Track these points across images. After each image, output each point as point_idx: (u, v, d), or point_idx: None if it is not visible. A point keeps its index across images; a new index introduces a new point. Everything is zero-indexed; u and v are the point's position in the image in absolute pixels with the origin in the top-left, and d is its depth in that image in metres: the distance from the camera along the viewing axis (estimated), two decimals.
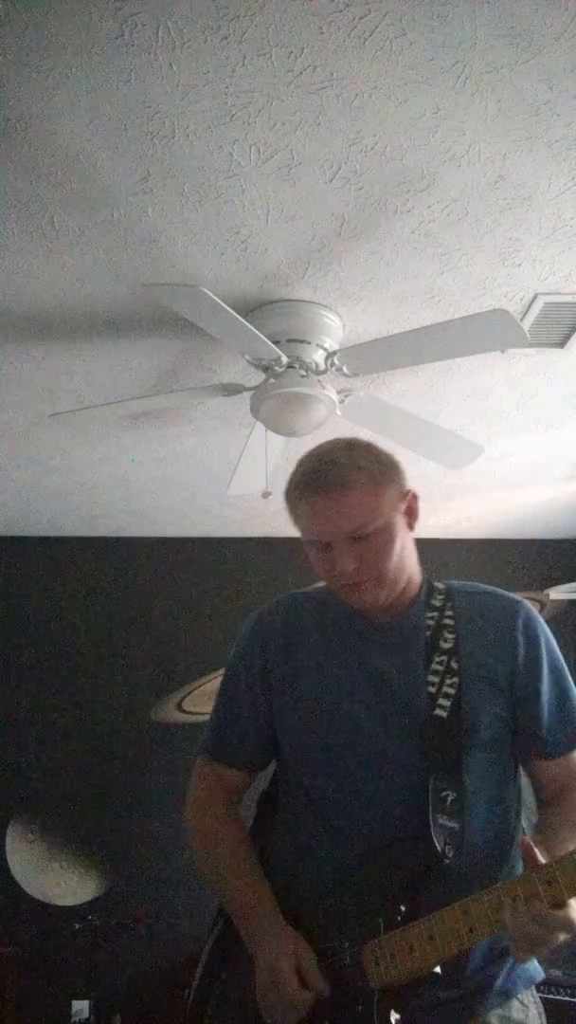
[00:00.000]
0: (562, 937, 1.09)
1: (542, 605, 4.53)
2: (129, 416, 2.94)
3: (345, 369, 2.41)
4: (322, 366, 2.42)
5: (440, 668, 1.32)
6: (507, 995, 1.27)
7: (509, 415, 3.10)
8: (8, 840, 4.10)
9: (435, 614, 1.37)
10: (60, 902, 4.04)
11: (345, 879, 1.26)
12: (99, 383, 2.85)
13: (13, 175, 1.87)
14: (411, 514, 1.35)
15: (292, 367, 2.38)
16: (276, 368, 2.37)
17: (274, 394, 2.42)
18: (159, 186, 1.92)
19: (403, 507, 1.33)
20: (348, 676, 1.34)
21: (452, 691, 1.29)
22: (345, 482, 1.27)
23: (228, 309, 2.07)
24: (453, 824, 1.24)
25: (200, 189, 1.93)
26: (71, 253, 2.16)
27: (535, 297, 2.35)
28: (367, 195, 1.95)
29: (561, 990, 3.54)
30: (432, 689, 1.30)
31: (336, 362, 2.40)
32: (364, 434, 3.13)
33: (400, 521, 1.32)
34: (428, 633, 1.35)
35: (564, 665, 1.39)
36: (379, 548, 1.28)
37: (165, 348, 2.63)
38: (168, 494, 3.96)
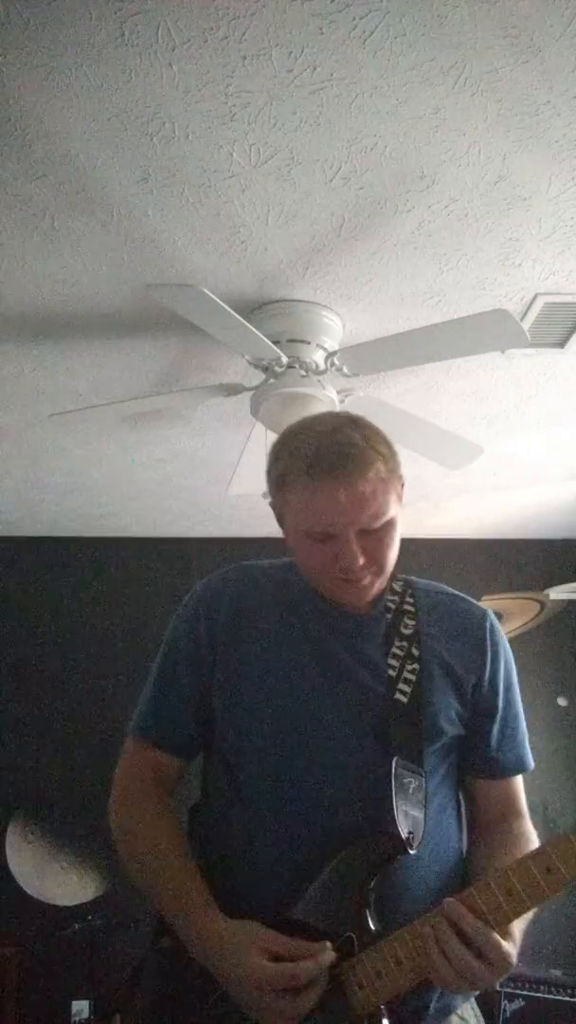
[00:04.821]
0: (498, 977, 1.02)
1: (542, 605, 4.53)
2: (129, 416, 2.94)
3: (345, 369, 2.41)
4: (322, 366, 2.42)
5: (400, 653, 1.23)
6: (445, 1012, 1.17)
7: (509, 415, 3.10)
8: (8, 840, 4.10)
9: (396, 598, 1.30)
10: (60, 902, 4.04)
11: (302, 887, 1.12)
12: (99, 383, 2.85)
13: (13, 175, 1.87)
14: (401, 503, 1.25)
15: (292, 367, 2.38)
16: (276, 368, 2.37)
17: (274, 394, 2.42)
18: (159, 186, 1.92)
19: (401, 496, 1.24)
20: (304, 659, 1.23)
21: (413, 677, 1.22)
22: (365, 469, 1.14)
23: (228, 309, 2.07)
24: (416, 813, 1.14)
25: (200, 189, 1.93)
26: (71, 253, 2.16)
27: (535, 297, 2.35)
28: (367, 195, 1.95)
29: (561, 990, 3.53)
30: (392, 673, 1.22)
31: (336, 362, 2.40)
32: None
33: (400, 511, 1.22)
34: (389, 616, 1.27)
35: (518, 683, 1.33)
36: (387, 542, 1.19)
37: (165, 348, 2.63)
38: (168, 494, 3.96)
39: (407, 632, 1.25)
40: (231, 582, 1.33)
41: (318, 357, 2.42)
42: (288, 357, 2.36)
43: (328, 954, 1.04)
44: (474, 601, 1.35)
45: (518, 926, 1.08)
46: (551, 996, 3.54)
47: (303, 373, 2.38)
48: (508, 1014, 3.56)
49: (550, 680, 4.42)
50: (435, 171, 1.87)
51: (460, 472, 3.26)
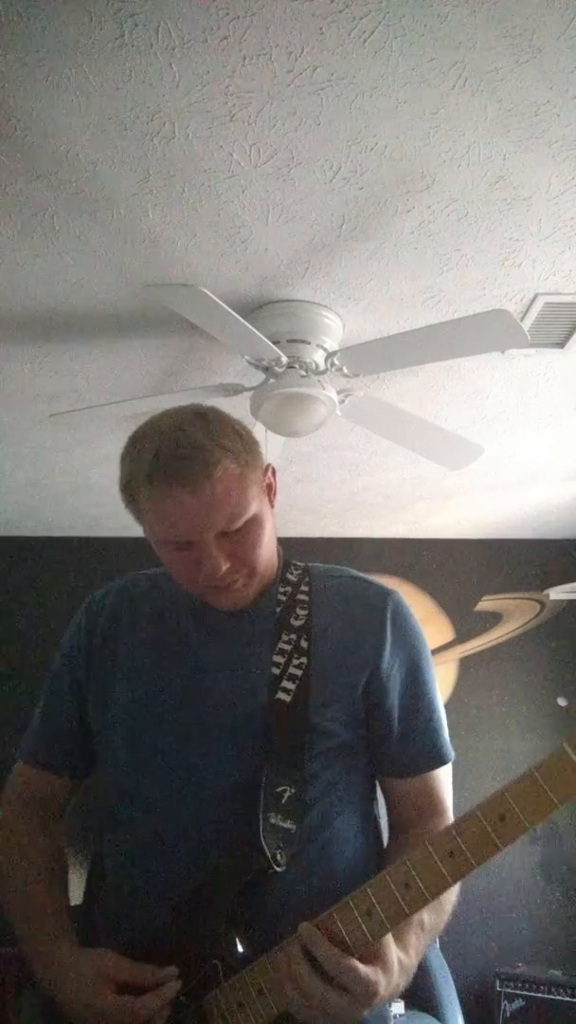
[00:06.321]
0: (368, 1005, 0.91)
1: (542, 605, 4.53)
2: (129, 416, 2.93)
3: (345, 369, 2.41)
4: (322, 366, 2.42)
5: (287, 648, 1.13)
6: None
7: (509, 415, 3.10)
8: None
9: (288, 588, 1.19)
10: None
11: (172, 909, 1.04)
12: (99, 383, 2.85)
13: (13, 175, 1.87)
14: (271, 491, 1.15)
15: (292, 367, 2.38)
16: (276, 368, 2.37)
17: (274, 394, 2.42)
18: (159, 186, 1.92)
19: (266, 485, 1.14)
20: (171, 665, 1.16)
21: (298, 672, 1.11)
22: (211, 470, 1.03)
23: (228, 309, 2.07)
24: (288, 825, 1.04)
25: (200, 189, 1.93)
26: (71, 253, 2.16)
27: (535, 297, 2.35)
28: (367, 195, 1.95)
29: (561, 990, 3.53)
30: (276, 671, 1.11)
31: (336, 362, 2.40)
32: (364, 434, 3.15)
33: (265, 503, 1.12)
34: (279, 609, 1.17)
35: (432, 671, 1.20)
36: (252, 541, 1.09)
37: (165, 348, 2.63)
38: None
39: (297, 624, 1.15)
40: (114, 590, 1.26)
41: (318, 357, 2.42)
42: (288, 357, 2.36)
43: (172, 986, 0.98)
44: (378, 583, 1.23)
45: (412, 941, 1.00)
46: (551, 996, 3.54)
47: (303, 373, 2.38)
48: (508, 1014, 3.56)
49: (550, 680, 4.42)
50: (435, 171, 1.87)
51: (460, 472, 3.26)
